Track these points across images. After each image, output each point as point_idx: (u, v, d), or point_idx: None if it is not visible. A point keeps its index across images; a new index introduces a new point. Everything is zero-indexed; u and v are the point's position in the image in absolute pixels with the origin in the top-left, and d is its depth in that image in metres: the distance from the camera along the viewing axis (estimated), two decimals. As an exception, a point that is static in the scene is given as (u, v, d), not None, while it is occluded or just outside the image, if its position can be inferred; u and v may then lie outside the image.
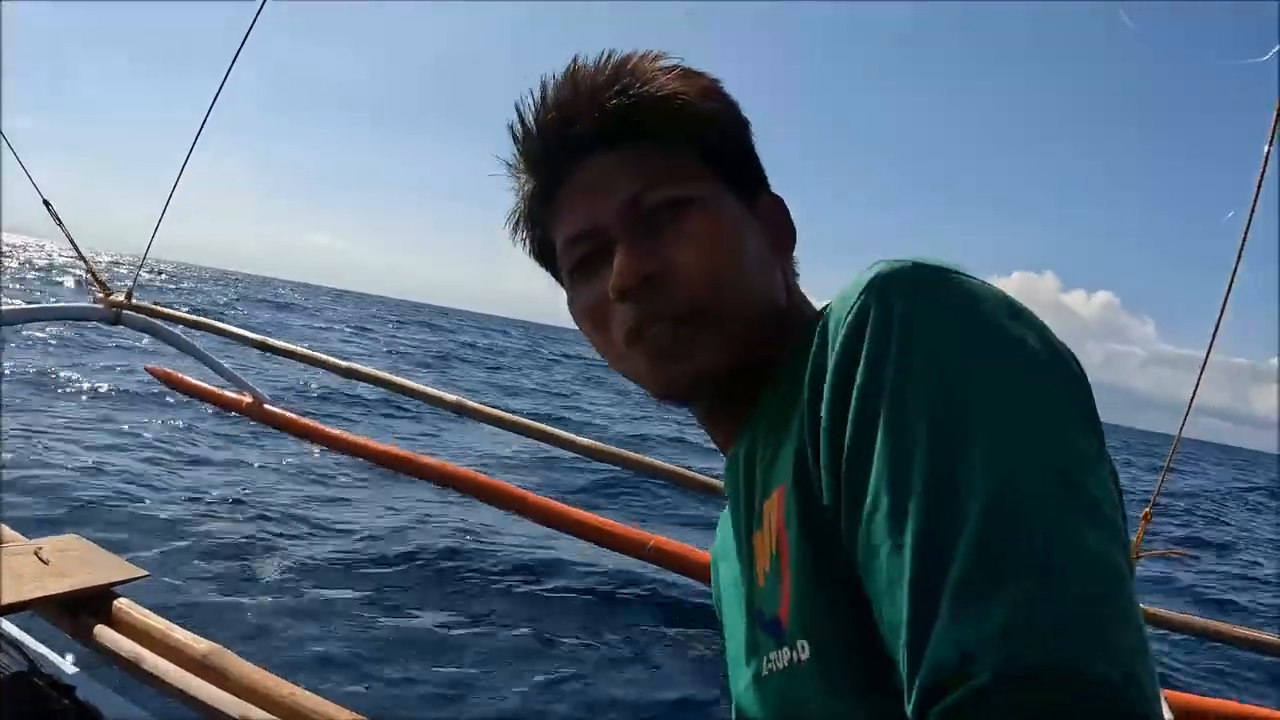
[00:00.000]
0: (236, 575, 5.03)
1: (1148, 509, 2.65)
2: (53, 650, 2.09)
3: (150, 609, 2.02)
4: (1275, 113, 2.29)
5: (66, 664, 2.07)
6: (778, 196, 0.88)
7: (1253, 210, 2.30)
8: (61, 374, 10.54)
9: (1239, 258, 2.38)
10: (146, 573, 2.17)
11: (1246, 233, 2.35)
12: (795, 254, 0.89)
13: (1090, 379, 0.61)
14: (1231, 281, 2.41)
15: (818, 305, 0.84)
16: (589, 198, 0.80)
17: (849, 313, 0.62)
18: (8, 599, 1.90)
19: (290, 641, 4.31)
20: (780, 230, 0.86)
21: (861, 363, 0.59)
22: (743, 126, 0.85)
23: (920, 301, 0.60)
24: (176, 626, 1.94)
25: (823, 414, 0.61)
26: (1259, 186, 2.24)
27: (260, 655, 2.57)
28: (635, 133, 0.79)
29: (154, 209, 3.84)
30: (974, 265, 0.64)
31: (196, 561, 5.09)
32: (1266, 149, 2.31)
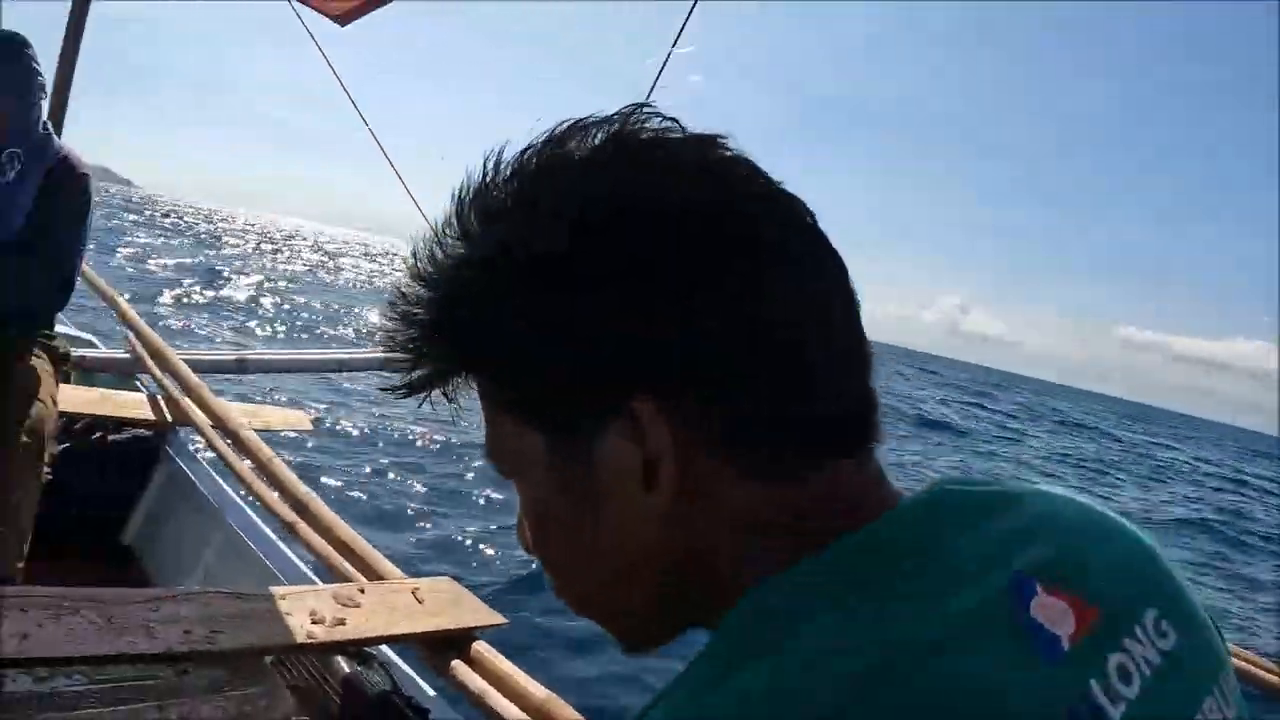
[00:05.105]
0: (589, 629, 5.53)
1: None
2: (417, 675, 2.55)
3: (503, 652, 2.42)
4: None
5: (427, 690, 2.51)
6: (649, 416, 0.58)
7: None
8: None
9: None
10: (506, 620, 2.58)
11: None
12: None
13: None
14: None
15: None
16: None
17: None
18: (388, 631, 2.38)
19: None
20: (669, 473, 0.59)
21: None
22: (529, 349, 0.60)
23: None
24: (522, 672, 2.31)
25: None
26: None
27: (595, 708, 2.91)
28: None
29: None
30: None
31: (554, 612, 5.63)
32: None
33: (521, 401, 0.62)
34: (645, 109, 0.61)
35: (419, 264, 0.64)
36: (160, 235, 45.23)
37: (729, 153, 0.61)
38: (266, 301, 23.43)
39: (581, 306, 0.57)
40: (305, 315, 21.98)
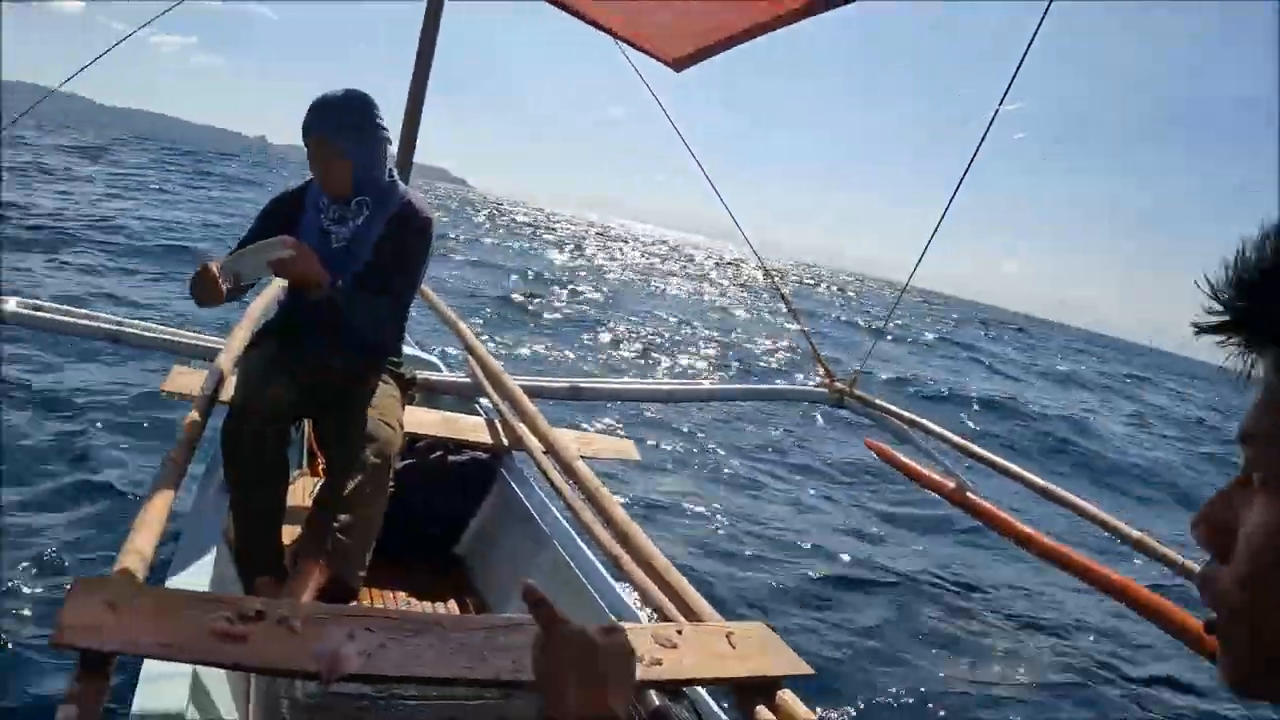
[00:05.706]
0: (882, 684, 5.43)
1: None
2: (723, 715, 2.63)
3: (807, 701, 2.45)
4: None
5: None
6: None
7: None
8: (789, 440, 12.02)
9: None
10: (812, 671, 2.60)
11: None
12: None
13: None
14: None
15: None
16: None
17: None
18: (699, 674, 2.45)
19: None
20: None
21: None
22: None
23: None
24: (826, 724, 2.36)
25: None
26: None
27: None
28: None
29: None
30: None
31: (856, 668, 5.58)
32: None
33: None
34: None
35: None
36: (492, 236, 47.55)
37: None
38: (593, 311, 24.09)
39: None
40: (634, 324, 22.39)
